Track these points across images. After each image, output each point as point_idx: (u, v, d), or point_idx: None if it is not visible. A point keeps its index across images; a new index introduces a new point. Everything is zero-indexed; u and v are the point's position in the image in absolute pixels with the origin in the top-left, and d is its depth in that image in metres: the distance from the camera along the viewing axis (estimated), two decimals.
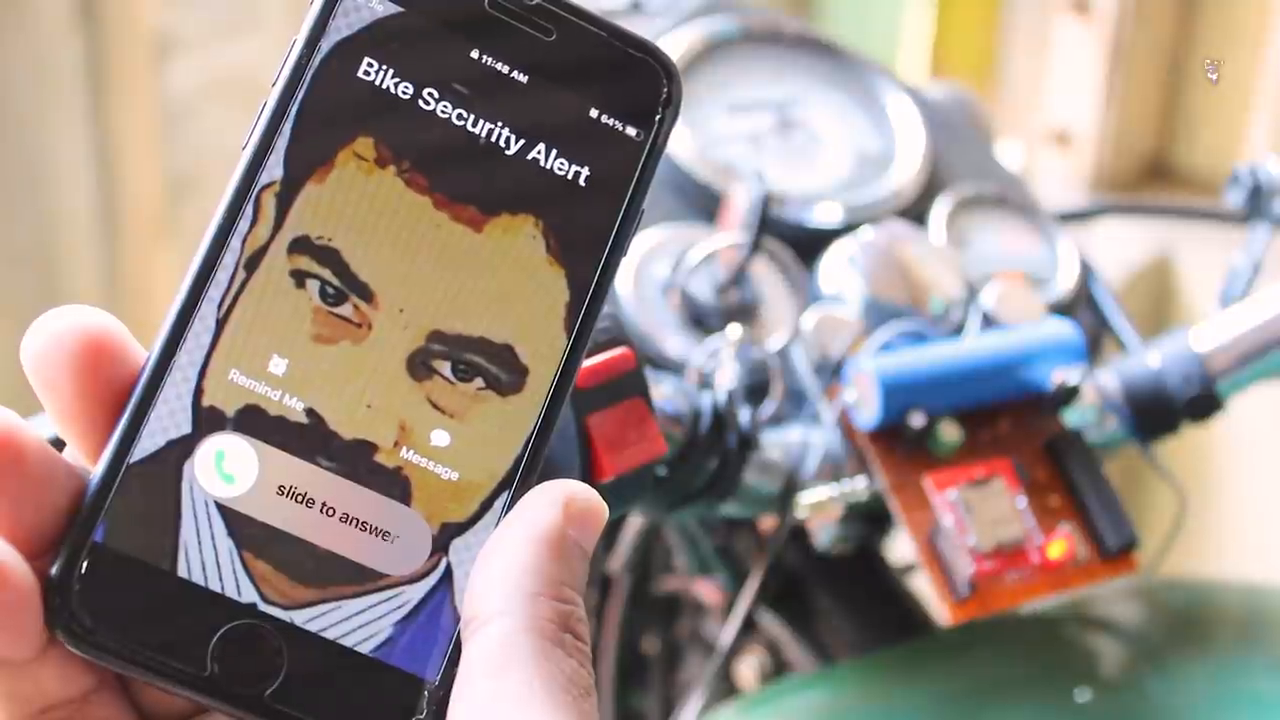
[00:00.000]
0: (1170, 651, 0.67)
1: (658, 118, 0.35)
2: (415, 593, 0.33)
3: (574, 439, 0.49)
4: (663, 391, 0.56)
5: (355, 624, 0.32)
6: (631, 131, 0.35)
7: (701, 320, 0.62)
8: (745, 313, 0.63)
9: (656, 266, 0.63)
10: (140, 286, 1.28)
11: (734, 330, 0.59)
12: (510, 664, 0.30)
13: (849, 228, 0.68)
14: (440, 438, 0.33)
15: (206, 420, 0.32)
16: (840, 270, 0.65)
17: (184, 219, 1.32)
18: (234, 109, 1.34)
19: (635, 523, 0.75)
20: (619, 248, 0.35)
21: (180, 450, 0.32)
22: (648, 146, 0.35)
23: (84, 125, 1.27)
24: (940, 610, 0.60)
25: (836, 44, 0.77)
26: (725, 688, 0.75)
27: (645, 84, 0.35)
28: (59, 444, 0.33)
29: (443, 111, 0.34)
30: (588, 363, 0.50)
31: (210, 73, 1.34)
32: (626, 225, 0.35)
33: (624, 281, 0.62)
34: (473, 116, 0.34)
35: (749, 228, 0.61)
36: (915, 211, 0.71)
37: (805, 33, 0.77)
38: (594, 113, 0.35)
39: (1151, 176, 1.56)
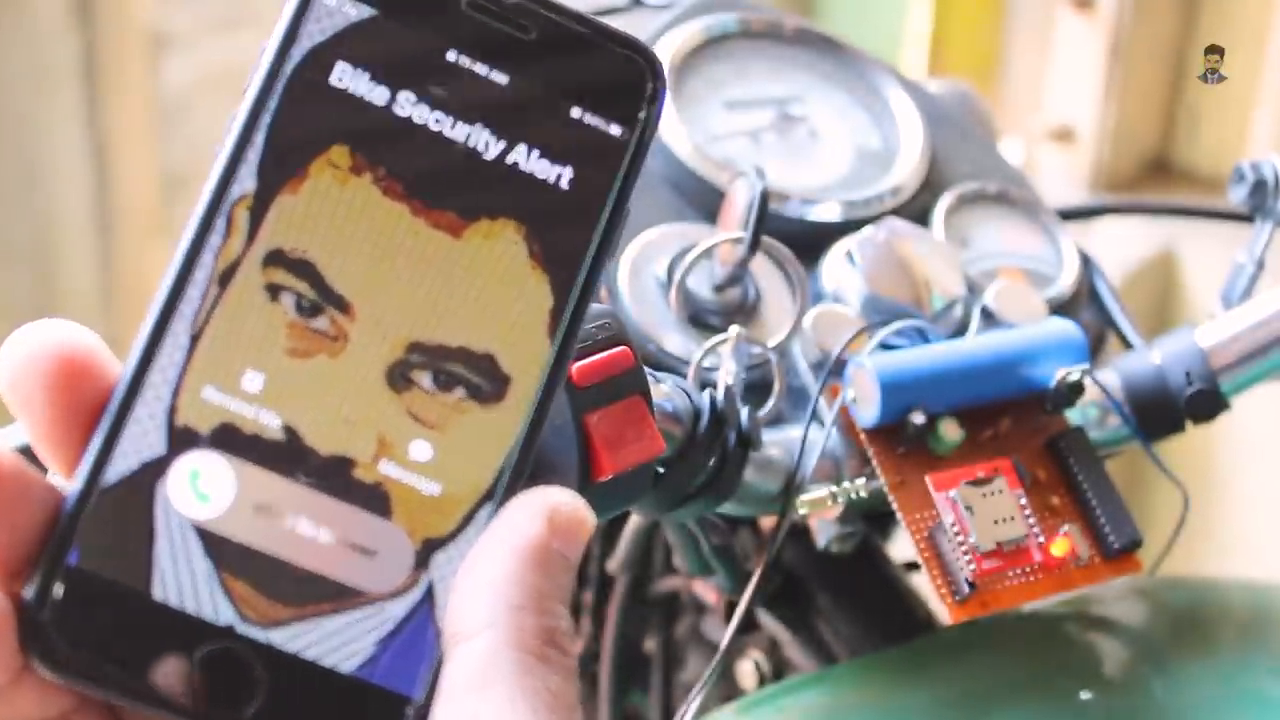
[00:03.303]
0: (1173, 652, 0.66)
1: (642, 115, 0.34)
2: (397, 609, 0.32)
3: (572, 437, 0.49)
4: (662, 390, 0.55)
5: (336, 643, 0.32)
6: (615, 130, 0.34)
7: (701, 318, 0.62)
8: (745, 311, 0.62)
9: (655, 265, 0.63)
10: (135, 283, 1.28)
11: (734, 329, 0.58)
12: (492, 680, 0.29)
13: (849, 225, 0.68)
14: (420, 450, 0.33)
15: (181, 439, 0.32)
16: (840, 268, 0.65)
17: (179, 216, 1.31)
18: (229, 105, 1.33)
19: (635, 522, 0.74)
20: (604, 251, 0.34)
21: (154, 470, 0.31)
22: (632, 145, 0.34)
23: (79, 122, 1.26)
24: (941, 609, 0.60)
25: (837, 40, 0.77)
26: (726, 688, 0.75)
27: (628, 81, 0.34)
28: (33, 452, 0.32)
29: (419, 116, 0.33)
30: (586, 361, 0.50)
31: (205, 69, 1.34)
32: (612, 227, 0.34)
33: (622, 279, 0.62)
34: (450, 120, 0.33)
35: (748, 225, 0.60)
36: (916, 208, 0.71)
37: (805, 29, 0.76)
38: (576, 112, 0.34)
39: (1153, 173, 1.56)
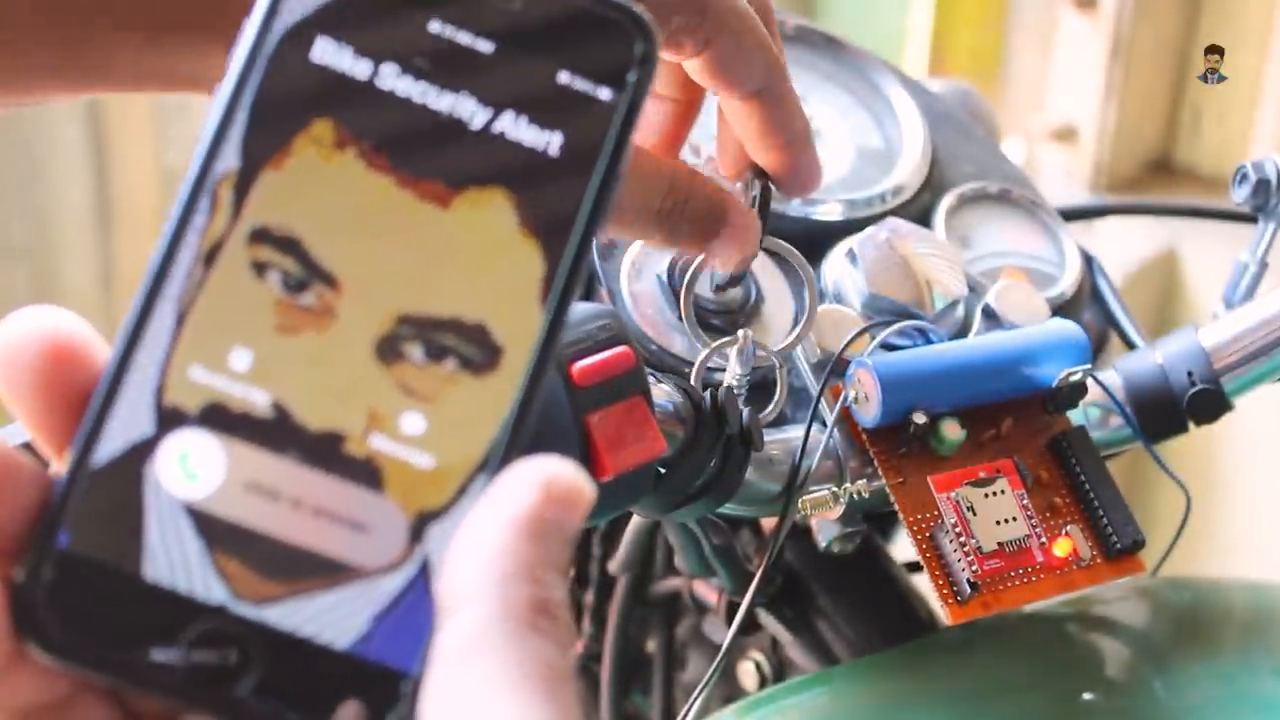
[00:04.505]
0: (1175, 652, 0.66)
1: (631, 78, 0.34)
2: (391, 584, 0.32)
3: (573, 438, 0.49)
4: (663, 390, 0.55)
5: (330, 619, 0.31)
6: (604, 94, 0.34)
7: (702, 319, 0.62)
8: (746, 311, 0.62)
9: (656, 264, 0.63)
10: (135, 279, 1.27)
11: (742, 332, 0.58)
12: (481, 651, 0.29)
13: (851, 224, 0.67)
14: (412, 423, 0.32)
15: (169, 419, 0.32)
16: (842, 268, 0.64)
17: None
18: None
19: (636, 523, 0.74)
20: (597, 216, 0.33)
21: (143, 451, 0.31)
22: (622, 108, 0.34)
23: (79, 118, 1.26)
24: (943, 610, 0.60)
25: (838, 39, 0.76)
26: (727, 688, 0.75)
27: (616, 43, 0.34)
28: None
29: (403, 88, 0.33)
30: (587, 361, 0.50)
31: None
32: (604, 192, 0.33)
33: (623, 280, 0.62)
34: (435, 90, 0.33)
35: None
36: (918, 208, 0.70)
37: (806, 28, 0.76)
38: (563, 77, 0.33)
39: (1155, 173, 1.56)
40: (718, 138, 0.56)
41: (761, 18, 0.51)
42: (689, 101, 0.54)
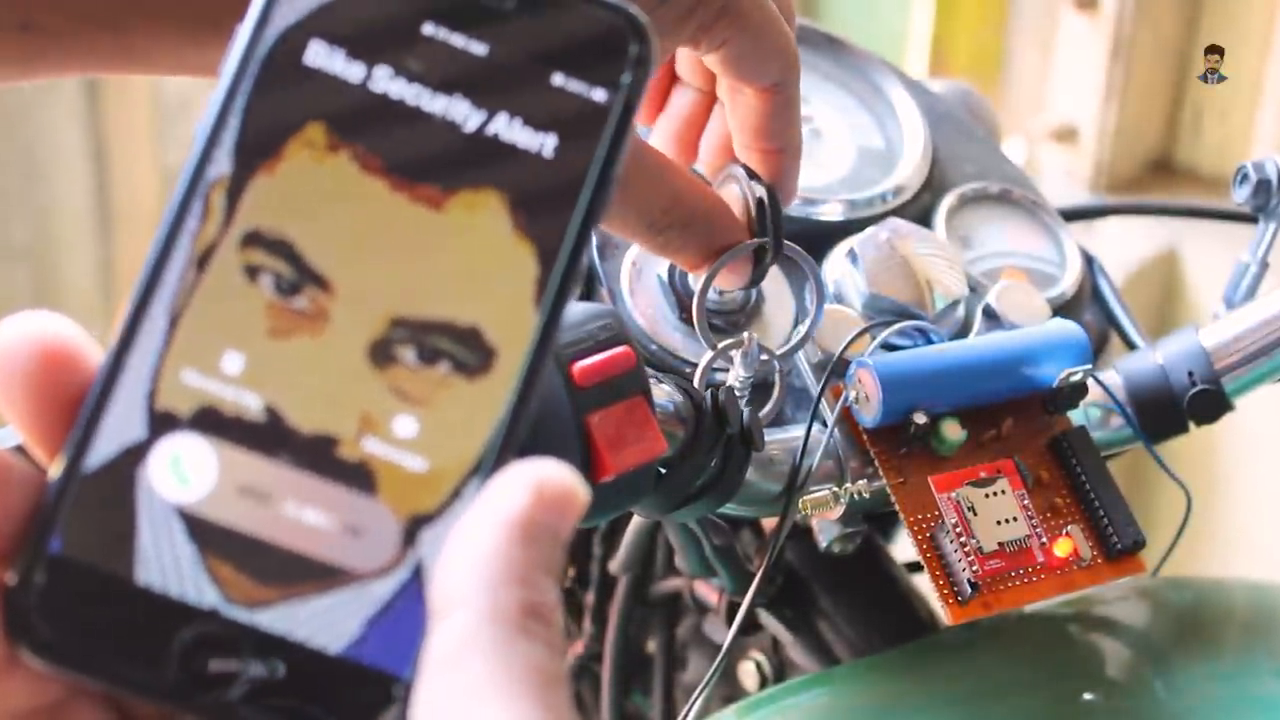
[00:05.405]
0: (1176, 653, 0.66)
1: (626, 79, 0.34)
2: (384, 588, 0.32)
3: (574, 438, 0.49)
4: (664, 390, 0.55)
5: (323, 623, 0.31)
6: (598, 96, 0.33)
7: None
8: (746, 312, 0.62)
9: (657, 265, 0.62)
10: None
11: (747, 334, 0.58)
12: (470, 655, 0.28)
13: (852, 225, 0.67)
14: (405, 427, 0.32)
15: (161, 423, 0.32)
16: (842, 268, 0.64)
17: None
18: None
19: (637, 523, 0.74)
20: (591, 219, 0.33)
21: (135, 455, 0.31)
22: (617, 110, 0.33)
23: (80, 120, 1.26)
24: (943, 610, 0.60)
25: (839, 39, 0.76)
26: (727, 688, 0.75)
27: (610, 44, 0.34)
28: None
29: (396, 91, 0.33)
30: (588, 361, 0.50)
31: None
32: (599, 194, 0.33)
33: (624, 280, 0.62)
34: (428, 92, 0.33)
35: (767, 230, 0.59)
36: (919, 208, 0.70)
37: (808, 28, 0.76)
38: (557, 79, 0.33)
39: (1156, 173, 1.56)
40: (704, 134, 0.56)
41: (784, 14, 0.51)
42: (715, 91, 0.53)
